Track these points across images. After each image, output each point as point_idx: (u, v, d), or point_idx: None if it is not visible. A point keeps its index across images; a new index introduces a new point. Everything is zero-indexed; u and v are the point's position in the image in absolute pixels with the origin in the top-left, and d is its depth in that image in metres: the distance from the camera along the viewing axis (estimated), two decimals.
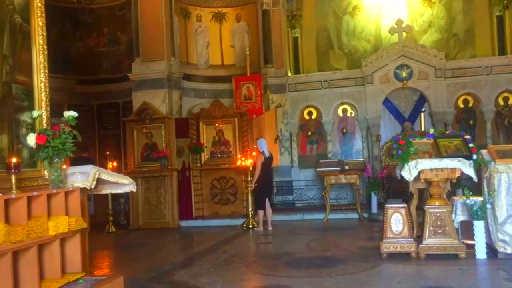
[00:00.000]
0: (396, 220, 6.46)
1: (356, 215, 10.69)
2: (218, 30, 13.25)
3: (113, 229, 10.65)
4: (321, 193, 11.33)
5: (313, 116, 12.91)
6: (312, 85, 12.85)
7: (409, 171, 6.31)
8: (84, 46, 13.23)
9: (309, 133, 12.90)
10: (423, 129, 7.71)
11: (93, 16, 13.07)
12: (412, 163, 6.29)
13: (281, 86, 12.73)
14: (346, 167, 10.92)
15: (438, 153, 6.64)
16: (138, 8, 11.62)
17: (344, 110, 12.79)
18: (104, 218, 10.73)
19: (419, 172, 6.26)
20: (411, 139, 6.68)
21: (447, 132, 9.16)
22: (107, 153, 11.93)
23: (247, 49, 12.24)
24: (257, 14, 12.81)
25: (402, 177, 6.49)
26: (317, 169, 11.27)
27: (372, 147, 12.54)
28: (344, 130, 12.73)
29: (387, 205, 6.60)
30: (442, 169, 6.26)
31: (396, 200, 6.85)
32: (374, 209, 10.63)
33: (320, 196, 11.85)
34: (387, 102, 12.48)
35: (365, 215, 10.62)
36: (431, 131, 7.17)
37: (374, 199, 10.72)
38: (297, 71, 13.94)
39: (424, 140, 6.94)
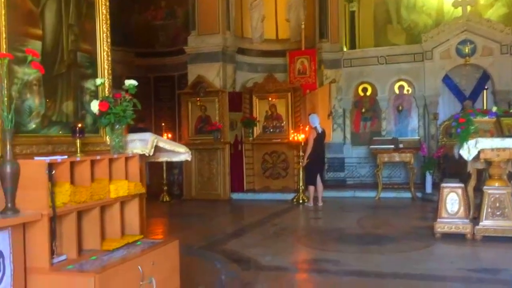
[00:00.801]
0: (452, 200, 6.30)
1: (409, 194, 10.48)
2: (274, 4, 13.13)
3: (167, 199, 10.98)
4: (374, 171, 11.17)
5: (368, 93, 12.65)
6: (368, 61, 12.55)
7: (468, 150, 6.10)
8: (142, 19, 13.49)
9: (363, 110, 12.66)
10: (485, 107, 7.40)
11: None
12: (471, 142, 6.07)
13: (336, 61, 12.52)
14: (401, 146, 10.69)
15: (500, 132, 6.39)
16: None
17: (401, 87, 12.44)
18: (159, 188, 11.07)
19: (479, 152, 6.04)
20: (471, 117, 6.44)
21: (511, 110, 8.72)
22: (163, 124, 12.23)
23: (303, 23, 12.08)
24: None
25: (460, 157, 6.28)
26: (370, 146, 11.11)
27: (428, 126, 12.18)
28: (400, 108, 12.41)
29: (443, 184, 6.44)
30: (504, 149, 6.01)
31: (452, 180, 6.65)
32: (429, 189, 10.37)
33: (372, 174, 11.69)
34: (447, 79, 12.03)
35: (419, 194, 10.40)
36: (494, 109, 6.88)
37: (429, 179, 10.45)
38: (352, 46, 13.66)
39: (486, 118, 6.68)
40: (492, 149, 6.04)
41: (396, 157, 10.68)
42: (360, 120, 12.73)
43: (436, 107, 12.05)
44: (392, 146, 10.59)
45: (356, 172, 12.30)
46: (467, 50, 11.56)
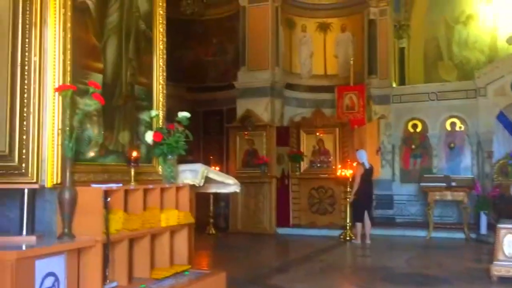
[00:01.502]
0: (510, 242, 6.00)
1: (462, 235, 10.05)
2: (322, 40, 13.27)
3: (213, 231, 11.03)
4: (424, 209, 10.83)
5: (418, 129, 12.40)
6: (418, 97, 12.36)
7: None
8: (193, 55, 13.92)
9: (413, 147, 12.39)
10: None
11: (203, 28, 13.69)
12: None
13: (385, 97, 12.40)
14: (453, 184, 10.35)
15: None
16: (246, 19, 12.01)
17: (453, 124, 12.13)
18: (205, 220, 11.13)
19: None
20: None
21: None
22: (211, 157, 12.40)
23: (351, 59, 12.12)
24: (363, 24, 12.64)
25: None
26: (421, 184, 10.80)
27: (482, 164, 11.74)
28: (452, 145, 12.07)
29: (499, 225, 6.16)
30: None
31: (510, 221, 6.35)
32: (483, 229, 9.91)
33: (422, 213, 11.33)
34: (501, 117, 11.64)
35: (472, 235, 9.95)
36: None
37: (483, 219, 10.00)
38: (402, 82, 13.52)
39: None
40: None
41: (448, 196, 10.33)
42: (410, 157, 12.46)
43: (490, 145, 11.64)
44: (444, 184, 10.27)
45: (406, 210, 11.96)
46: None
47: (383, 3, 12.37)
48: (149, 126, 4.14)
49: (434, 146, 12.16)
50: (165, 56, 4.35)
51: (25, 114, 3.22)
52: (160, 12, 4.32)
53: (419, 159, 12.38)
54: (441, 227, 10.59)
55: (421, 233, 10.38)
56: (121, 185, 3.41)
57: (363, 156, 9.56)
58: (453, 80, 13.14)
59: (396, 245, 9.37)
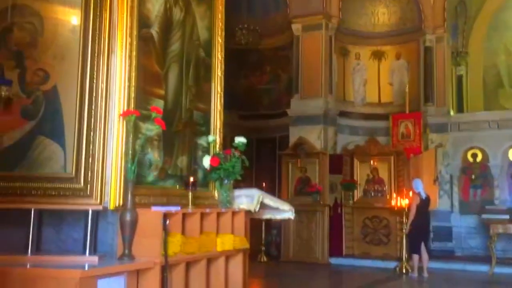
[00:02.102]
0: None
1: None
2: (376, 68, 13.15)
3: (265, 259, 10.94)
4: (486, 242, 10.30)
5: (478, 159, 11.91)
6: (477, 125, 11.92)
7: None
8: (247, 83, 14.14)
9: (472, 177, 11.89)
10: None
11: (257, 56, 13.92)
12: None
13: (442, 125, 12.04)
14: None
15: None
16: (300, 48, 12.11)
17: None
18: (257, 248, 11.06)
19: None
20: None
21: None
22: (263, 184, 12.40)
23: (407, 86, 11.92)
24: (419, 51, 12.43)
25: None
26: (482, 216, 10.32)
27: None
28: None
29: None
30: None
31: None
32: None
33: (484, 246, 10.75)
34: None
35: None
36: None
37: None
38: (460, 109, 13.14)
39: None
40: None
41: None
42: (469, 187, 11.95)
43: None
44: (507, 216, 9.76)
45: (465, 243, 11.41)
46: None
47: (440, 30, 12.15)
48: (207, 151, 4.23)
49: (496, 177, 11.61)
50: (223, 83, 4.46)
51: (91, 139, 3.37)
52: (219, 40, 4.45)
53: (479, 190, 11.85)
54: (505, 262, 10.00)
55: (482, 268, 9.84)
56: (179, 208, 3.47)
57: (419, 186, 9.26)
58: None
59: (455, 280, 8.94)
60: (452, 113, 12.55)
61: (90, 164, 3.33)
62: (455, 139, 12.03)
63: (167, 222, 3.28)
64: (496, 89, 13.47)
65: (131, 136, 3.39)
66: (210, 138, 4.23)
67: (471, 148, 11.94)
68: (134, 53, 3.49)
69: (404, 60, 12.96)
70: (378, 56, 13.13)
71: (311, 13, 11.85)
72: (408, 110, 11.76)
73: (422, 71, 12.30)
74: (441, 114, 12.04)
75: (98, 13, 3.45)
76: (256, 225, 10.73)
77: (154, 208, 3.34)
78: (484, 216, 10.14)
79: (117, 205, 3.30)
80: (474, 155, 11.96)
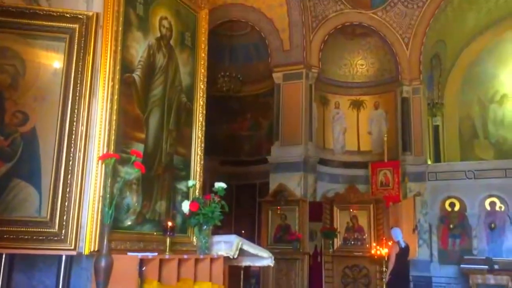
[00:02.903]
0: None
1: None
2: (356, 117, 13.39)
3: None
4: None
5: (456, 208, 12.01)
6: (454, 175, 12.10)
7: None
8: (228, 129, 14.21)
9: (451, 226, 11.95)
10: None
11: (239, 103, 14.08)
12: None
13: (420, 174, 12.19)
14: (496, 267, 9.84)
15: None
16: (281, 95, 12.30)
17: (492, 204, 11.71)
18: None
19: None
20: None
21: None
22: (242, 232, 12.24)
23: (385, 135, 12.13)
24: (396, 102, 12.73)
25: None
26: (461, 265, 10.31)
27: None
28: (493, 225, 11.58)
29: None
30: None
31: None
32: None
33: None
34: None
35: None
36: None
37: None
38: (437, 159, 13.35)
39: None
40: None
41: (491, 280, 9.79)
42: (448, 237, 11.98)
43: None
44: (486, 266, 9.78)
45: None
46: None
47: (416, 82, 12.51)
48: (186, 196, 4.19)
49: (474, 226, 11.69)
50: (204, 128, 4.49)
51: (68, 182, 3.32)
52: (201, 86, 4.51)
53: (458, 239, 11.88)
54: None
55: None
56: (156, 254, 3.40)
57: (399, 234, 9.24)
58: (490, 159, 12.90)
59: None
60: (429, 162, 12.75)
61: (66, 207, 3.27)
62: (433, 188, 12.17)
63: (143, 268, 3.20)
64: (471, 140, 13.79)
65: (110, 179, 3.35)
66: (190, 182, 4.20)
67: (449, 197, 12.07)
68: (115, 97, 3.51)
69: (382, 110, 13.24)
70: (357, 105, 13.40)
71: (292, 63, 12.13)
72: (386, 158, 11.91)
73: (400, 121, 12.55)
74: (418, 163, 12.21)
75: (81, 57, 3.49)
76: (235, 273, 10.49)
77: (130, 254, 3.26)
78: (463, 266, 10.12)
79: (92, 250, 3.22)
80: (452, 204, 12.07)
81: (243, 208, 13.76)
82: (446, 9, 12.27)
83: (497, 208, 11.65)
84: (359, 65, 13.26)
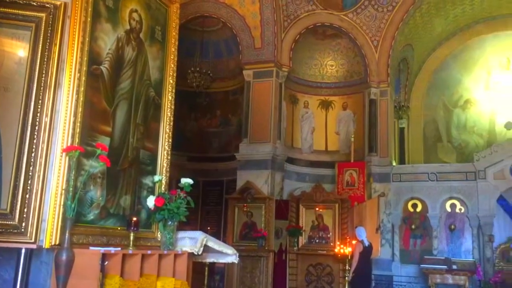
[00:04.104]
0: None
1: None
2: (324, 117, 13.54)
3: None
4: None
5: (418, 209, 12.32)
6: (418, 177, 12.40)
7: None
8: (197, 126, 14.15)
9: (413, 227, 12.24)
10: None
11: (208, 99, 14.03)
12: None
13: (385, 175, 12.44)
14: (454, 267, 10.15)
15: None
16: (251, 93, 12.32)
17: (453, 205, 12.07)
18: None
19: None
20: None
21: None
22: (208, 228, 12.24)
23: (352, 136, 12.32)
24: (364, 103, 12.94)
25: None
26: (421, 265, 10.57)
27: (483, 248, 11.54)
28: (452, 227, 11.92)
29: None
30: None
31: None
32: None
33: None
34: (502, 201, 11.60)
35: None
36: None
37: None
38: (402, 161, 13.65)
39: None
40: None
41: (449, 279, 10.10)
42: (410, 237, 12.27)
43: (491, 229, 11.51)
44: (445, 266, 10.07)
45: None
46: None
47: (384, 85, 12.74)
48: (152, 191, 4.15)
49: (435, 227, 12.02)
50: (172, 123, 4.45)
51: (30, 173, 3.25)
52: (170, 81, 4.47)
53: (419, 240, 12.19)
54: None
55: None
56: (119, 249, 3.36)
57: (363, 234, 9.40)
58: (452, 162, 13.27)
59: None
60: (394, 163, 13.01)
61: (27, 199, 3.19)
62: (397, 189, 12.43)
63: (106, 263, 3.16)
64: (435, 143, 14.16)
65: (73, 172, 3.29)
66: (156, 178, 4.17)
67: (412, 198, 12.36)
68: (82, 89, 3.44)
69: (350, 111, 13.43)
70: (325, 105, 13.55)
71: (263, 61, 12.16)
72: (353, 159, 12.09)
73: (367, 122, 12.75)
74: (384, 164, 12.44)
75: (47, 47, 3.41)
76: (199, 270, 10.47)
77: (92, 248, 3.21)
78: (423, 265, 10.38)
79: (52, 243, 3.15)
80: (415, 206, 12.36)
81: (210, 205, 13.73)
82: (415, 14, 12.53)
83: (457, 210, 12.00)
84: (329, 65, 13.41)
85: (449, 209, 12.09)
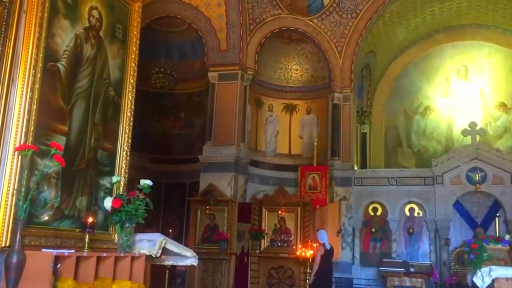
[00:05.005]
0: None
1: None
2: (288, 120, 13.62)
3: None
4: None
5: (378, 213, 12.54)
6: (378, 181, 12.62)
7: (481, 278, 5.90)
8: (161, 127, 13.98)
9: (373, 230, 12.44)
10: (497, 235, 7.29)
11: (172, 101, 13.89)
12: (485, 269, 5.90)
13: (347, 179, 12.61)
14: (412, 270, 10.37)
15: None
16: (215, 95, 12.26)
17: (411, 209, 12.33)
18: None
19: (493, 280, 5.82)
20: (484, 244, 6.32)
21: None
22: (170, 231, 12.09)
23: (315, 140, 12.43)
24: (327, 108, 13.07)
25: (473, 284, 6.05)
26: (380, 268, 10.75)
27: (440, 251, 11.84)
28: (411, 230, 12.18)
29: None
30: None
31: None
32: None
33: None
34: (458, 205, 11.94)
35: None
36: (507, 237, 6.77)
37: None
38: (363, 165, 13.86)
39: (499, 246, 6.55)
40: (507, 279, 5.82)
41: (407, 282, 10.30)
42: (370, 240, 12.47)
43: (447, 233, 11.82)
44: (403, 269, 10.28)
45: None
46: (477, 178, 11.59)
47: (347, 90, 12.91)
48: (109, 192, 4.07)
49: (394, 231, 12.25)
50: (132, 124, 4.38)
51: None
52: (130, 81, 4.40)
53: (379, 243, 12.40)
54: None
55: None
56: (73, 251, 3.27)
57: (324, 237, 9.48)
58: (412, 167, 13.57)
59: None
60: (356, 168, 13.21)
61: None
62: (358, 193, 12.61)
63: (58, 265, 3.07)
64: (395, 148, 14.46)
65: (26, 172, 3.19)
66: (114, 179, 4.09)
67: (372, 202, 12.56)
68: (37, 86, 3.35)
69: (314, 115, 13.55)
70: (290, 109, 13.64)
71: (228, 63, 12.13)
72: (316, 163, 12.20)
73: (330, 127, 12.89)
74: (346, 168, 12.60)
75: (1, 42, 3.30)
76: (160, 273, 10.32)
77: (45, 251, 3.12)
78: (382, 268, 10.57)
79: (3, 245, 3.04)
80: (375, 209, 12.57)
81: (172, 207, 13.59)
82: (378, 22, 12.79)
83: (415, 214, 12.28)
84: (294, 70, 13.51)
85: (408, 213, 12.34)
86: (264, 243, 11.43)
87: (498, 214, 9.93)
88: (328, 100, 13.08)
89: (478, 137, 12.26)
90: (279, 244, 11.39)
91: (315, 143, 12.32)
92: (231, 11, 11.88)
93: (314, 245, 9.87)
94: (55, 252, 3.08)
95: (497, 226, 7.98)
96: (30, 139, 3.29)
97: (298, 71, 13.51)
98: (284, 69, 13.49)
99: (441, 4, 13.02)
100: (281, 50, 13.23)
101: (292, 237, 11.32)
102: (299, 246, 10.77)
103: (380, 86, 15.10)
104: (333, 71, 12.87)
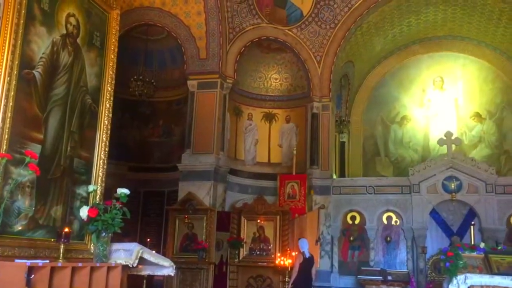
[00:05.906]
0: None
1: None
2: (268, 129, 13.66)
3: None
4: None
5: (356, 221, 12.63)
6: (356, 190, 12.73)
7: (457, 286, 5.98)
8: (139, 135, 13.88)
9: (351, 238, 12.52)
10: (473, 243, 7.41)
11: (151, 109, 13.80)
12: (460, 277, 5.98)
13: (326, 188, 12.68)
14: (389, 278, 10.47)
15: (489, 269, 6.31)
16: (194, 104, 12.22)
17: (389, 218, 12.47)
18: None
19: None
20: (460, 252, 6.42)
21: (499, 248, 8.70)
22: (148, 240, 11.96)
23: (294, 149, 12.49)
24: (307, 117, 13.16)
25: None
26: (358, 276, 10.81)
27: (417, 259, 11.98)
28: (388, 239, 12.30)
29: None
30: (493, 287, 5.89)
31: None
32: None
33: None
34: (434, 214, 12.11)
35: None
36: (482, 245, 6.89)
37: None
38: (342, 174, 13.96)
39: (474, 254, 6.66)
40: (482, 286, 5.92)
41: None
42: (348, 249, 12.54)
43: (424, 241, 11.97)
44: (381, 277, 10.36)
45: None
46: (453, 186, 11.79)
47: (326, 99, 13.03)
48: (86, 201, 4.02)
49: (372, 239, 12.35)
50: (109, 132, 4.34)
51: None
52: (108, 89, 4.37)
53: (357, 251, 12.48)
54: None
55: None
56: (47, 261, 3.21)
57: (305, 245, 9.47)
58: (389, 176, 13.72)
59: None
60: (335, 176, 13.30)
61: None
62: (337, 201, 12.69)
63: (32, 276, 3.00)
64: (373, 157, 14.62)
65: (0, 180, 3.13)
66: (91, 187, 4.04)
67: (351, 211, 12.65)
68: (11, 93, 3.29)
69: (293, 124, 13.63)
70: (269, 118, 13.69)
71: (207, 72, 12.12)
72: (295, 171, 12.25)
73: (309, 136, 12.97)
74: (324, 177, 12.67)
75: None
76: (137, 283, 10.19)
77: (18, 261, 3.05)
78: (360, 276, 10.63)
79: None
80: (353, 218, 12.66)
81: (151, 216, 13.45)
82: (356, 33, 12.96)
83: (393, 222, 12.40)
84: (273, 78, 13.58)
85: (385, 221, 12.47)
86: (243, 252, 11.40)
87: (473, 222, 10.09)
88: (307, 109, 13.17)
89: (453, 146, 12.49)
90: (258, 253, 11.37)
91: (294, 152, 12.38)
92: (211, 20, 11.90)
93: (293, 253, 9.87)
94: (28, 262, 3.01)
95: (473, 234, 8.10)
96: (4, 147, 3.23)
97: (278, 80, 13.58)
98: (264, 78, 13.55)
99: (417, 16, 13.27)
100: (260, 59, 13.30)
101: (271, 245, 11.32)
102: (278, 255, 10.76)
103: (358, 95, 15.29)
104: (312, 80, 12.98)
